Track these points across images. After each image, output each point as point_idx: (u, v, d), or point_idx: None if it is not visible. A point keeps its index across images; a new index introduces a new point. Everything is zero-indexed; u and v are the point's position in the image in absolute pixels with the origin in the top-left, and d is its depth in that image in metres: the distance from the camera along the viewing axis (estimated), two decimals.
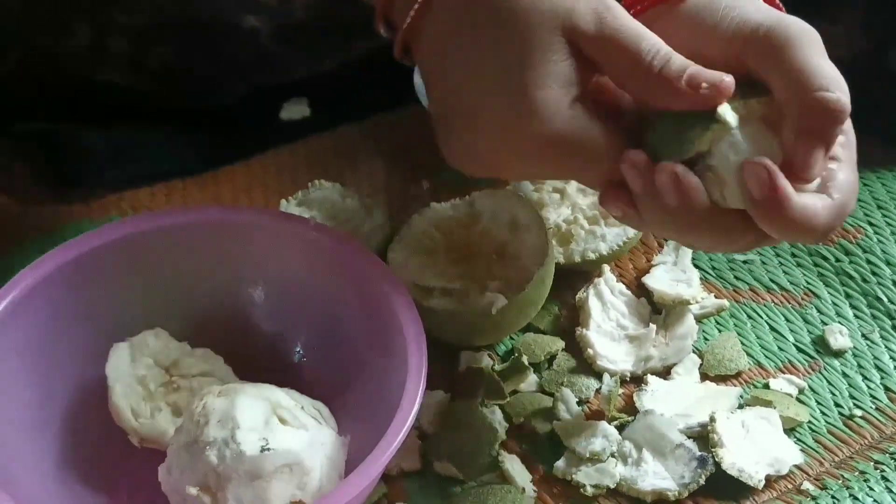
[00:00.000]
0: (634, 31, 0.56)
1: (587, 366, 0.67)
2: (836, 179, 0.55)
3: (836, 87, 0.54)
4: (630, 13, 0.57)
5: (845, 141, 0.57)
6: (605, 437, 0.63)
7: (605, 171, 0.56)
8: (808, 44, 0.56)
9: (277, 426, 0.56)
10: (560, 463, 0.63)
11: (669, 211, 0.55)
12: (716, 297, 0.71)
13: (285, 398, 0.58)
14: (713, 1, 0.58)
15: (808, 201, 0.54)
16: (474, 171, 0.60)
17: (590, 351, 0.67)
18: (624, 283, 0.71)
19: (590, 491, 0.61)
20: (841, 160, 0.56)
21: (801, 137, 0.54)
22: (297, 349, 0.66)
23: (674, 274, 0.71)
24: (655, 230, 0.63)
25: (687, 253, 0.73)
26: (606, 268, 0.71)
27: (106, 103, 0.81)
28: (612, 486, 0.61)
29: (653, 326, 0.68)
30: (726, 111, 0.54)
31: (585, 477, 0.62)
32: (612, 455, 0.63)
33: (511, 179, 0.66)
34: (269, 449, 0.55)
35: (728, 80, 0.54)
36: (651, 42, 0.55)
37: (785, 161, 0.54)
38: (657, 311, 0.70)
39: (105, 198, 0.77)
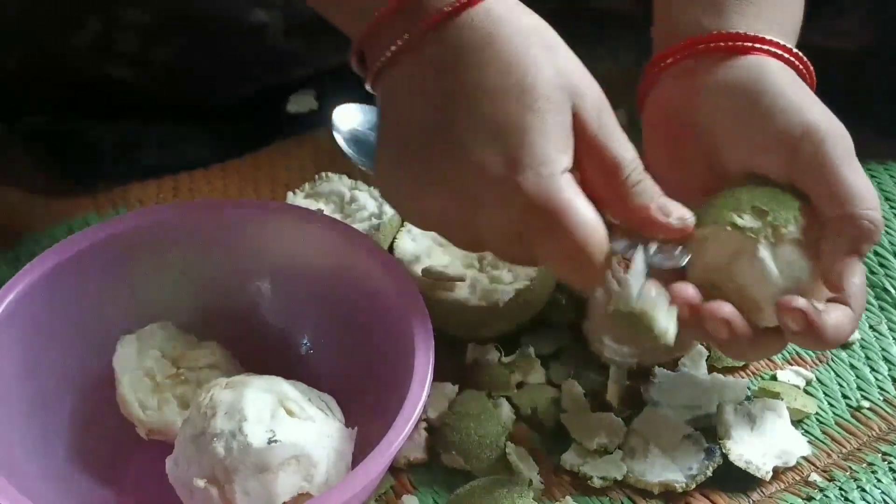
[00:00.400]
0: (623, 141, 0.56)
1: (594, 358, 0.67)
2: (852, 286, 0.57)
3: (877, 207, 0.57)
4: (661, 64, 0.58)
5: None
6: (611, 428, 0.63)
7: (595, 264, 0.55)
8: (849, 157, 0.58)
9: (284, 418, 0.56)
10: (567, 455, 0.63)
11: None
12: None
13: (292, 390, 0.58)
14: (759, 83, 0.59)
15: (838, 320, 0.56)
16: (429, 226, 0.58)
17: (597, 343, 0.67)
18: None
19: (597, 483, 0.61)
20: (856, 267, 0.58)
21: (840, 254, 0.56)
22: (305, 341, 0.66)
23: None
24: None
25: None
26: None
27: (113, 98, 0.81)
28: (619, 478, 0.61)
29: None
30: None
31: (593, 469, 0.62)
32: (620, 447, 0.63)
33: (468, 247, 0.60)
34: (276, 441, 0.55)
35: (690, 220, 0.57)
36: (632, 157, 0.56)
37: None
38: None
39: (112, 191, 0.78)
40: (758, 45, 0.60)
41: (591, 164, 0.56)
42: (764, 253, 0.57)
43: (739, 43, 0.60)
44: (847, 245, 0.57)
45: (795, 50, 0.61)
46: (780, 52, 0.60)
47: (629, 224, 0.57)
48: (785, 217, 0.57)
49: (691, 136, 0.61)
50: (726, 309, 0.56)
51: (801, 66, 0.61)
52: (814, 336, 0.56)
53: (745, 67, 0.59)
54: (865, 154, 0.76)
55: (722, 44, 0.60)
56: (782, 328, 0.56)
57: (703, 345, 0.67)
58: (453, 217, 0.56)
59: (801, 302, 0.55)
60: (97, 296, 0.63)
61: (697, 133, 0.61)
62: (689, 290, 0.56)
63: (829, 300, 0.57)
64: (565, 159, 0.54)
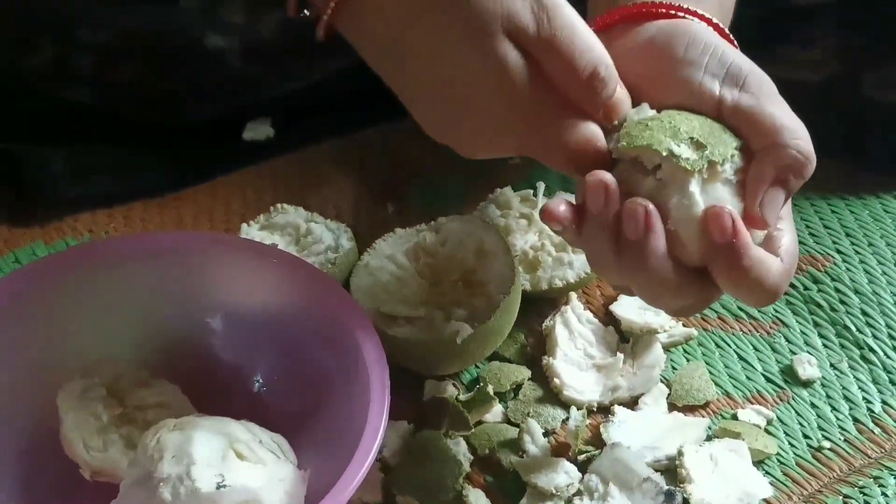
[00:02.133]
0: (569, 34, 0.55)
1: (554, 395, 0.66)
2: (783, 244, 0.55)
3: (806, 139, 0.55)
4: (594, 29, 0.57)
5: (788, 209, 0.57)
6: (566, 473, 0.62)
7: (569, 140, 0.55)
8: (774, 94, 0.56)
9: (234, 461, 0.55)
10: (524, 501, 0.61)
11: (623, 244, 0.54)
12: (684, 325, 0.70)
13: (243, 432, 0.56)
14: (685, 34, 0.58)
15: (764, 255, 0.54)
16: (451, 142, 0.58)
17: (556, 381, 0.66)
18: (591, 310, 0.70)
19: None
20: (786, 225, 0.56)
21: (764, 183, 0.54)
22: (258, 379, 0.64)
23: (641, 302, 0.70)
24: (595, 257, 0.57)
25: None
26: (573, 295, 0.70)
27: (67, 122, 0.79)
28: None
29: (620, 356, 0.67)
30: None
31: None
32: (579, 492, 0.61)
33: (478, 152, 0.60)
34: (225, 486, 0.54)
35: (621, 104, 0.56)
36: (586, 45, 0.55)
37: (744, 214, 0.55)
38: (625, 339, 0.69)
39: (62, 220, 0.76)
40: (687, 15, 0.59)
41: (547, 64, 0.55)
42: (695, 187, 0.54)
43: (672, 12, 0.59)
44: (772, 173, 0.54)
45: (724, 27, 0.60)
46: (708, 25, 0.59)
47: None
48: (722, 154, 0.54)
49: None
50: (651, 205, 0.53)
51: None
52: (737, 259, 0.53)
53: (671, 25, 0.59)
54: (829, 188, 0.77)
55: (653, 10, 0.59)
56: (703, 249, 0.53)
57: (662, 381, 0.67)
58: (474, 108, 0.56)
59: (730, 208, 0.53)
60: (42, 332, 0.61)
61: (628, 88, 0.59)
62: (610, 176, 0.54)
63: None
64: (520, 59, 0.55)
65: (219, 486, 0.54)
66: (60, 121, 0.79)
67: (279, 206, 0.74)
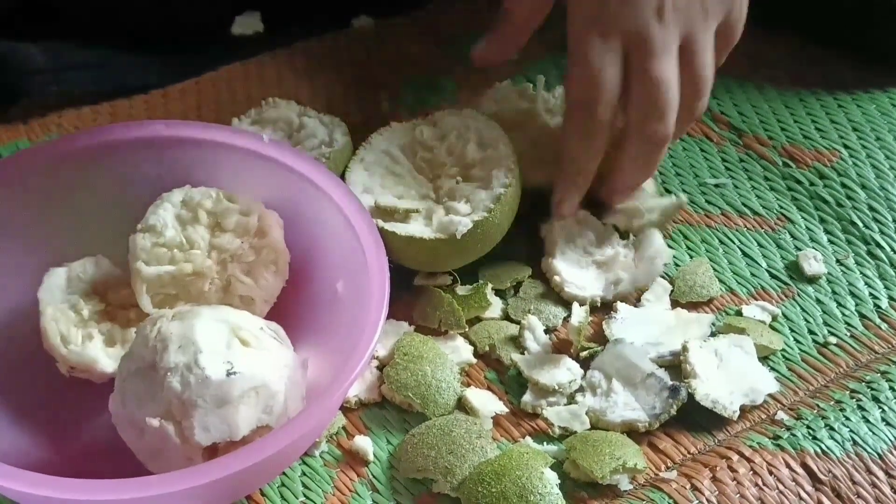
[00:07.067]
0: None
1: (555, 293, 0.65)
2: None
3: None
4: None
5: None
6: (568, 369, 0.61)
7: None
8: None
9: (240, 348, 0.53)
10: (527, 397, 0.60)
11: None
12: (687, 222, 0.68)
13: (244, 319, 0.55)
14: None
15: None
16: None
17: (556, 278, 0.65)
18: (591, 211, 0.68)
19: (557, 431, 0.59)
20: None
21: None
22: None
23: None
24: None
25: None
26: None
27: (48, 17, 0.76)
28: (580, 432, 0.59)
29: (619, 249, 0.66)
30: None
31: (556, 416, 0.59)
32: (581, 389, 0.60)
33: None
34: (235, 373, 0.52)
35: None
36: None
37: None
38: (624, 236, 0.67)
39: (45, 116, 0.74)
40: None
41: None
42: None
43: None
44: None
45: None
46: None
47: None
48: None
49: None
50: None
51: None
52: None
53: None
54: (835, 84, 0.75)
55: None
56: None
57: (665, 277, 0.65)
58: None
59: None
60: (26, 226, 0.59)
61: None
62: None
63: None
64: None
65: (229, 374, 0.52)
66: (40, 17, 0.76)
67: (271, 99, 0.71)
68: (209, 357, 0.52)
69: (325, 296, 0.59)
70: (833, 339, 0.64)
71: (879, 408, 0.59)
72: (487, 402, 0.60)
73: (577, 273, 0.65)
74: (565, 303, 0.64)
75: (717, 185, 0.71)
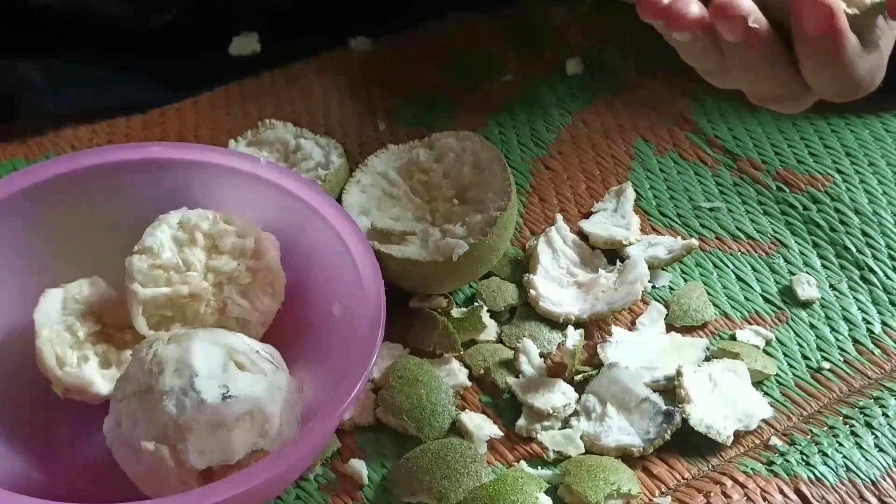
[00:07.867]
0: None
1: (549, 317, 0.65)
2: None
3: None
4: None
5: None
6: (563, 393, 0.61)
7: None
8: None
9: (236, 372, 0.53)
10: (521, 421, 0.60)
11: None
12: (683, 239, 0.69)
13: (240, 342, 0.55)
14: None
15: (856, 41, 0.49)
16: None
17: (532, 292, 0.65)
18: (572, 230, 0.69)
19: (552, 456, 0.59)
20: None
21: None
22: None
23: (613, 220, 0.70)
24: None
25: (628, 199, 0.70)
26: (559, 216, 0.69)
27: (44, 34, 0.76)
28: (574, 456, 0.59)
29: (601, 272, 0.66)
30: None
31: (551, 440, 0.59)
32: (576, 413, 0.60)
33: None
34: (230, 396, 0.52)
35: None
36: None
37: None
38: (611, 262, 0.68)
39: (43, 135, 0.74)
40: None
41: None
42: None
43: None
44: None
45: None
46: None
47: None
48: None
49: None
50: None
51: None
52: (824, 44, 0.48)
53: None
54: (829, 110, 0.76)
55: None
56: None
57: (659, 301, 0.65)
58: None
59: None
60: (23, 247, 0.59)
61: None
62: None
63: None
64: None
65: (224, 397, 0.52)
66: (37, 34, 0.76)
67: (267, 121, 0.72)
68: (205, 381, 0.52)
69: (321, 318, 0.59)
70: (826, 365, 0.64)
71: (872, 434, 0.59)
72: (482, 426, 0.60)
73: (556, 290, 0.66)
74: (560, 327, 0.65)
75: (711, 209, 0.71)
